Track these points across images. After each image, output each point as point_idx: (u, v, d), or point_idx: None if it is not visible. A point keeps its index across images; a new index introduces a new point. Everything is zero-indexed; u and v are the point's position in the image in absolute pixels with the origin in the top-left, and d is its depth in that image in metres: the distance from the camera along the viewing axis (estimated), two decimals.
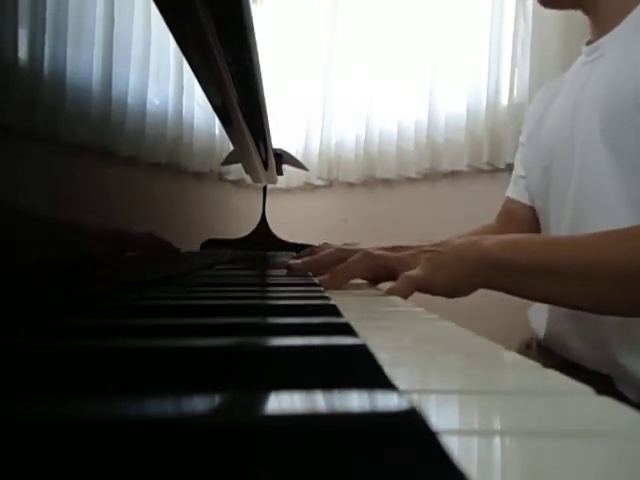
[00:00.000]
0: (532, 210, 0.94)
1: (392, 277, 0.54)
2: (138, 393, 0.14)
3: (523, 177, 0.96)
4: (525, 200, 0.96)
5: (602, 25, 0.81)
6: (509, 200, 1.00)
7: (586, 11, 0.84)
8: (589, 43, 0.84)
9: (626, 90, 0.70)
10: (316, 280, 0.55)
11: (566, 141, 0.80)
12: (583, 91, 0.79)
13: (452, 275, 0.54)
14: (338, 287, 0.52)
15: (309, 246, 1.03)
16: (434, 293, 0.54)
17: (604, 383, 0.73)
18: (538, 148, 0.89)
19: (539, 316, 0.87)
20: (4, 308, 0.23)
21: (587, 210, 0.75)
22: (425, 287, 0.53)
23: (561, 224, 0.80)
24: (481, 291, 0.56)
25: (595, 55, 0.80)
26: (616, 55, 0.75)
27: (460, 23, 1.67)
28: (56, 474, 0.10)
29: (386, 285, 0.55)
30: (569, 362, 0.80)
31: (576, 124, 0.78)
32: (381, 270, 0.56)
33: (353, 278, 0.56)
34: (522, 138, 0.99)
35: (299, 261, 0.62)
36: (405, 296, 0.50)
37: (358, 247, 0.62)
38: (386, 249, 0.59)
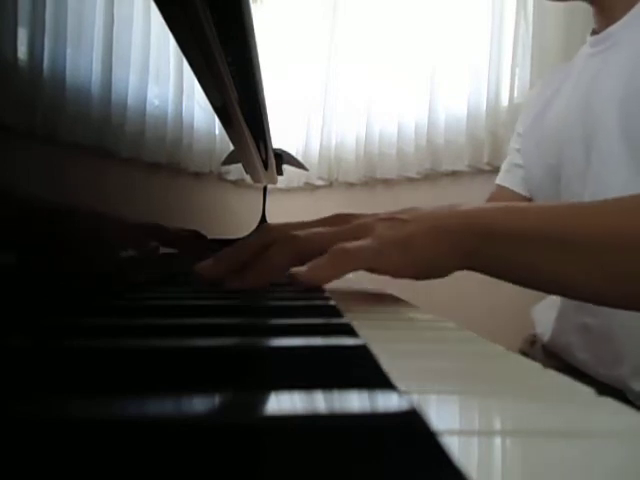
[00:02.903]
0: (528, 202, 0.87)
1: None
2: (138, 393, 0.14)
3: (521, 166, 0.90)
4: (521, 190, 0.89)
5: (608, 14, 0.77)
6: (500, 189, 0.92)
7: (590, 0, 0.80)
8: (594, 33, 0.80)
9: None
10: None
11: (578, 139, 0.75)
12: (594, 85, 0.74)
13: (422, 250, 0.38)
14: (255, 287, 0.38)
15: None
16: (393, 275, 0.38)
17: (613, 392, 0.69)
18: (540, 143, 0.84)
19: (544, 320, 0.84)
20: (4, 308, 0.23)
21: None
22: (378, 266, 0.37)
23: None
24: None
25: (603, 46, 0.76)
26: (631, 46, 0.71)
27: (460, 23, 1.67)
28: (56, 474, 0.10)
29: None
30: (576, 370, 0.76)
31: (591, 122, 0.73)
32: (316, 255, 0.38)
33: (276, 275, 0.39)
34: (519, 127, 0.94)
35: (207, 263, 0.40)
36: (326, 278, 0.35)
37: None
38: (326, 222, 0.42)
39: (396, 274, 0.39)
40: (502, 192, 0.92)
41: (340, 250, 0.36)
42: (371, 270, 0.38)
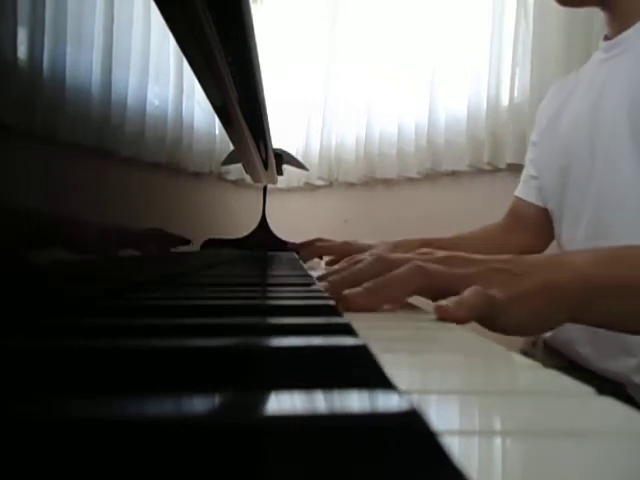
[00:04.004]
0: (544, 212, 0.91)
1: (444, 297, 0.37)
2: (138, 393, 0.14)
3: (535, 177, 0.93)
4: (536, 200, 0.93)
5: (621, 20, 0.78)
6: (518, 200, 0.97)
7: (603, 6, 0.82)
8: (606, 39, 0.82)
9: None
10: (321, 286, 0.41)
11: (585, 141, 0.77)
12: (604, 89, 0.76)
13: (536, 307, 0.38)
14: (371, 309, 0.37)
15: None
16: (506, 332, 0.38)
17: (613, 386, 0.70)
18: (553, 147, 0.86)
19: None
20: (4, 308, 0.23)
21: (608, 214, 0.72)
22: (496, 318, 0.37)
23: (577, 228, 0.77)
24: None
25: (616, 51, 0.78)
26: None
27: (461, 23, 1.67)
28: (56, 474, 0.10)
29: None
30: (577, 364, 0.77)
31: (598, 124, 0.75)
32: (435, 292, 0.39)
33: (396, 301, 0.39)
34: (534, 137, 0.96)
35: (358, 293, 0.39)
36: (468, 318, 0.34)
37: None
38: (436, 260, 0.41)
39: (509, 331, 0.38)
40: (519, 203, 0.97)
41: (485, 295, 0.36)
42: (485, 324, 0.37)
